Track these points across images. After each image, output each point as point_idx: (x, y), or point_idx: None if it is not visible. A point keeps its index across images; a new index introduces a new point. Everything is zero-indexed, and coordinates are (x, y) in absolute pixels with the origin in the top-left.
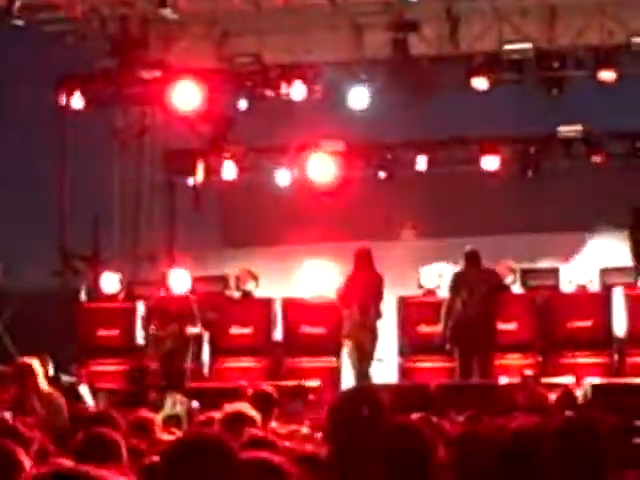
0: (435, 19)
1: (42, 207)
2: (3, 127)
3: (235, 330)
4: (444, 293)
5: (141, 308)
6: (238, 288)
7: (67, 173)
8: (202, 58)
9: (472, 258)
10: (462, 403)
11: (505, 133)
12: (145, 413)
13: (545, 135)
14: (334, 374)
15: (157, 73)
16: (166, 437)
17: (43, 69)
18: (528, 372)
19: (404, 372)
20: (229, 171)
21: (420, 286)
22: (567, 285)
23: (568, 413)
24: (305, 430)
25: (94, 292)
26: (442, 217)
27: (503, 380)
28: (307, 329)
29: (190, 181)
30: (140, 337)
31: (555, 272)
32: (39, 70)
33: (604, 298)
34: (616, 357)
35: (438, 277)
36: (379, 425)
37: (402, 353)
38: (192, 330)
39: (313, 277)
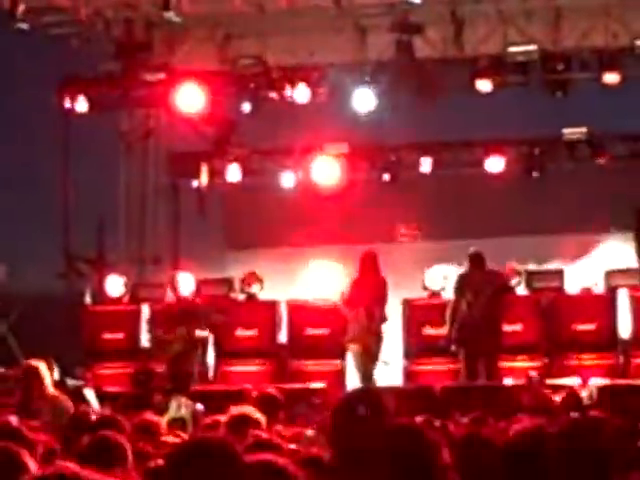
0: (440, 21)
1: (47, 210)
2: (8, 129)
3: (240, 333)
4: (449, 295)
5: (146, 311)
6: (243, 291)
7: (72, 175)
8: (205, 61)
9: (476, 260)
10: (467, 405)
11: (510, 135)
12: (150, 416)
13: (550, 137)
14: (339, 376)
15: (161, 76)
16: (171, 440)
17: (47, 72)
18: (533, 374)
19: (409, 374)
20: (233, 174)
21: (425, 288)
22: (572, 287)
23: (573, 414)
24: (310, 433)
25: (99, 295)
26: (447, 219)
27: (508, 382)
28: (312, 331)
29: (194, 184)
30: (145, 340)
31: (560, 274)
32: (43, 73)
33: (609, 300)
34: (621, 359)
35: (443, 279)
36: (382, 427)
37: (407, 355)
38: (200, 333)
39: (318, 279)
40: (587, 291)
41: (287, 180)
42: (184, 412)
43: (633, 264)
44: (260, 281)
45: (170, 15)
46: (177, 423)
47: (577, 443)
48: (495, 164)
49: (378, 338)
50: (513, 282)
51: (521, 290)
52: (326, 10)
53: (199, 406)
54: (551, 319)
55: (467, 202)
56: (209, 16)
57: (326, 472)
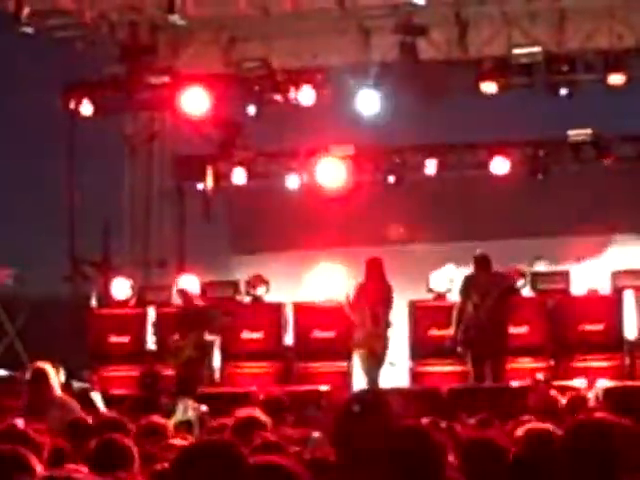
0: (444, 23)
1: (52, 213)
2: (13, 133)
3: (246, 335)
4: (455, 297)
5: (152, 314)
6: (248, 293)
7: (77, 179)
8: (210, 63)
9: (482, 262)
10: (473, 407)
11: (514, 137)
12: (157, 419)
13: (555, 139)
14: (345, 378)
15: (166, 79)
16: (178, 442)
17: (52, 75)
18: (539, 376)
19: (415, 376)
20: (238, 176)
21: (430, 290)
22: (578, 288)
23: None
24: (317, 435)
25: (104, 298)
26: (452, 221)
27: (514, 384)
28: (318, 334)
29: (200, 186)
30: (151, 343)
31: (566, 275)
32: (48, 76)
33: (615, 301)
34: (627, 360)
35: (449, 281)
36: (385, 428)
37: (413, 357)
38: (210, 337)
39: (323, 281)
40: (593, 292)
41: (292, 182)
42: (191, 415)
43: (639, 265)
44: (266, 283)
45: (175, 18)
46: (184, 426)
47: (583, 445)
48: (500, 166)
49: (384, 342)
50: (519, 284)
51: (526, 292)
52: (330, 12)
53: (203, 407)
54: (557, 321)
55: (472, 204)
56: (214, 19)
57: (331, 473)
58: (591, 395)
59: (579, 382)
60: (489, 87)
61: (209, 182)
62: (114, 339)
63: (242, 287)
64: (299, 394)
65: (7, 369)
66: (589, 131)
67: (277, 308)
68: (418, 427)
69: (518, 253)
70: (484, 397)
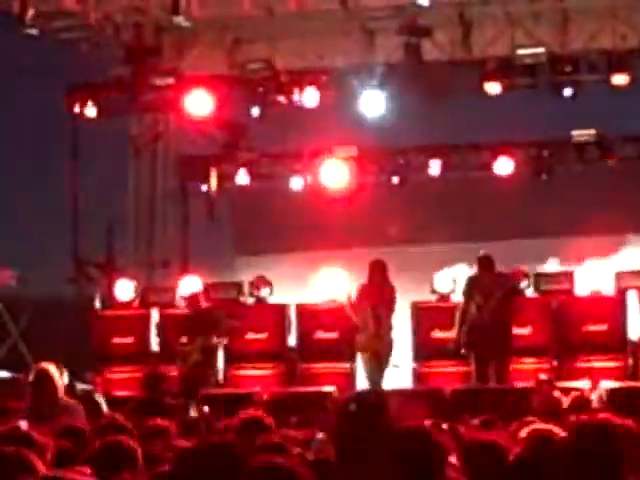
0: (448, 24)
1: (56, 214)
2: (17, 134)
3: (250, 336)
4: (458, 297)
5: (155, 315)
6: (252, 294)
7: (81, 180)
8: (215, 65)
9: (486, 262)
10: (477, 407)
11: (518, 137)
12: (161, 420)
13: (558, 139)
14: (349, 379)
15: (170, 80)
16: (182, 443)
17: (57, 76)
18: (543, 376)
19: (419, 377)
20: (242, 177)
21: (433, 291)
22: (582, 289)
23: (583, 417)
24: (321, 436)
25: (108, 299)
26: (456, 222)
27: (518, 384)
28: (321, 335)
29: (203, 188)
30: (155, 344)
31: (570, 276)
32: (53, 77)
33: (619, 301)
34: (631, 361)
35: (452, 282)
36: (385, 429)
37: (417, 358)
38: (217, 340)
39: (327, 283)
40: (597, 293)
41: (296, 184)
42: (194, 416)
43: None
44: (269, 285)
45: (179, 20)
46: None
47: (586, 446)
48: (504, 166)
49: (388, 344)
50: (522, 285)
51: (530, 292)
52: (334, 13)
53: (205, 408)
54: (561, 321)
55: (476, 204)
56: (218, 20)
57: (334, 475)
58: (595, 396)
59: (583, 383)
60: (493, 87)
61: (213, 183)
62: (118, 340)
63: (246, 288)
64: (303, 395)
65: (11, 370)
66: (593, 131)
67: (281, 309)
68: (419, 428)
69: (522, 254)
70: (487, 398)
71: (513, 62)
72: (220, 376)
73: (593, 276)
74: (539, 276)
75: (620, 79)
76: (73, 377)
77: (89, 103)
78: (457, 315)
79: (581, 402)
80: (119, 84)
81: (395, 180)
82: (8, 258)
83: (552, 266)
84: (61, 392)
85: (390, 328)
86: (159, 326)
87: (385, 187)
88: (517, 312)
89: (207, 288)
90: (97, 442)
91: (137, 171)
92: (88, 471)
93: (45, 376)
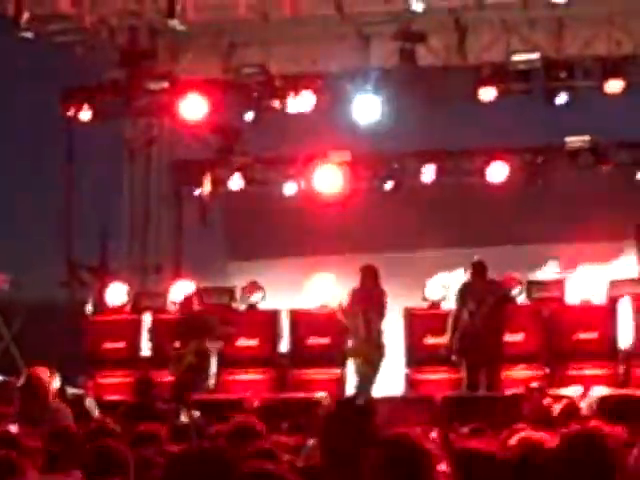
0: (443, 30)
1: (50, 218)
2: (12, 137)
3: (241, 342)
4: (450, 304)
5: (147, 320)
6: (244, 300)
7: (75, 183)
8: (209, 69)
9: (479, 268)
10: (468, 414)
11: (512, 143)
12: (152, 425)
13: (553, 145)
14: (340, 385)
15: (165, 84)
16: (173, 449)
17: (52, 79)
18: (534, 384)
19: (410, 383)
20: (236, 182)
21: (425, 299)
22: (574, 295)
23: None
24: (312, 442)
25: (100, 304)
26: (449, 228)
27: (509, 392)
28: (313, 341)
29: (197, 192)
30: (146, 349)
31: (561, 283)
32: (48, 80)
33: (610, 309)
34: (622, 368)
35: (444, 288)
36: (372, 436)
37: (408, 364)
38: (211, 344)
39: (320, 289)
40: (588, 301)
41: (290, 189)
42: (185, 421)
43: (635, 273)
44: (262, 290)
45: (174, 23)
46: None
47: (577, 455)
48: (498, 172)
49: (380, 350)
50: (515, 291)
51: (522, 299)
52: (330, 18)
53: (196, 413)
54: (552, 329)
55: (470, 210)
56: (213, 24)
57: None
58: (585, 403)
59: (574, 390)
60: (487, 93)
61: (206, 187)
62: (109, 345)
63: (238, 294)
64: (294, 401)
65: (2, 374)
66: (587, 138)
67: (272, 315)
68: (405, 435)
69: (516, 260)
70: (478, 405)
71: (508, 68)
72: (212, 381)
73: (586, 283)
74: (531, 283)
75: (615, 85)
76: (65, 381)
77: (84, 106)
78: (449, 321)
79: (571, 410)
80: (114, 87)
81: (389, 185)
82: (0, 261)
83: (551, 270)
84: (51, 396)
85: (381, 333)
86: (151, 331)
87: (379, 192)
88: (509, 319)
89: (199, 292)
90: (88, 446)
91: (131, 175)
92: (79, 476)
93: (35, 380)
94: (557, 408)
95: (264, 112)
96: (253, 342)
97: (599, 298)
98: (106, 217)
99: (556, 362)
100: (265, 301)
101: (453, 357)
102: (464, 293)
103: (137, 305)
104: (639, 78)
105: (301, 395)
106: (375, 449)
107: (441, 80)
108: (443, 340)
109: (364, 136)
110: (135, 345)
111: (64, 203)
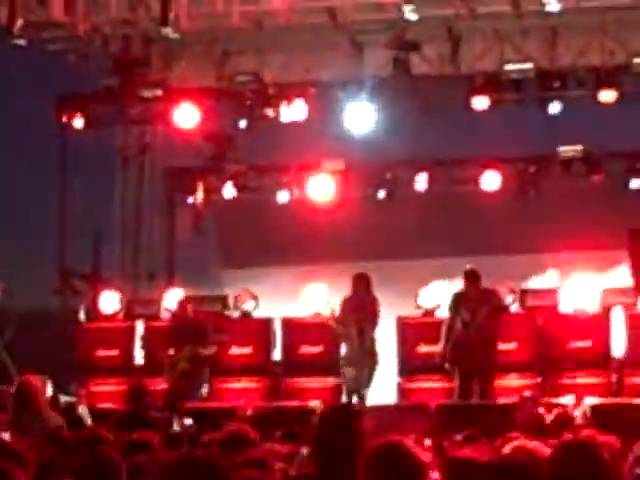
0: (436, 39)
1: (42, 226)
2: (4, 145)
3: (234, 350)
4: (444, 313)
5: (140, 327)
6: (237, 308)
7: (68, 191)
8: (203, 77)
9: (472, 277)
10: (461, 423)
11: (505, 152)
12: (145, 433)
13: (545, 155)
14: (334, 394)
15: (158, 92)
16: (166, 457)
17: (45, 87)
18: (527, 393)
19: (403, 392)
20: (229, 190)
21: (418, 307)
22: (567, 305)
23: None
24: (305, 451)
25: (93, 311)
26: (442, 237)
27: (502, 401)
28: (306, 349)
29: (190, 200)
30: (139, 357)
31: (554, 292)
32: (41, 88)
33: (603, 318)
34: (615, 377)
35: (437, 297)
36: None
37: (402, 373)
38: (205, 351)
39: (313, 297)
40: (581, 310)
41: (283, 197)
42: (178, 429)
43: (628, 282)
44: (254, 298)
45: (168, 31)
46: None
47: (570, 464)
48: (491, 181)
49: (373, 358)
50: (508, 300)
51: (515, 308)
52: (323, 27)
53: (188, 421)
54: (545, 338)
55: (462, 219)
56: (207, 32)
57: None
58: (578, 412)
59: (567, 399)
60: (480, 102)
61: (199, 195)
62: (102, 353)
63: (231, 302)
64: (287, 410)
65: None
66: (580, 147)
67: (266, 323)
68: (396, 443)
69: (508, 269)
70: (472, 414)
71: (501, 77)
72: (205, 390)
73: (579, 292)
74: (525, 292)
75: (608, 95)
76: (57, 389)
77: (77, 114)
78: (443, 330)
79: (565, 419)
80: (107, 95)
81: (382, 194)
82: None
83: (551, 277)
84: (44, 404)
85: (374, 341)
86: (144, 338)
87: (372, 201)
88: (502, 328)
89: (189, 300)
90: (81, 455)
91: (124, 182)
92: None
93: (28, 388)
94: (550, 417)
95: (257, 120)
96: (246, 350)
97: (592, 307)
98: (99, 225)
99: (549, 371)
100: (258, 309)
101: (446, 365)
102: (458, 302)
103: (130, 313)
104: (632, 88)
105: (294, 403)
106: (368, 457)
107: (434, 89)
108: (436, 349)
109: (357, 145)
110: (128, 353)
111: (57, 210)
